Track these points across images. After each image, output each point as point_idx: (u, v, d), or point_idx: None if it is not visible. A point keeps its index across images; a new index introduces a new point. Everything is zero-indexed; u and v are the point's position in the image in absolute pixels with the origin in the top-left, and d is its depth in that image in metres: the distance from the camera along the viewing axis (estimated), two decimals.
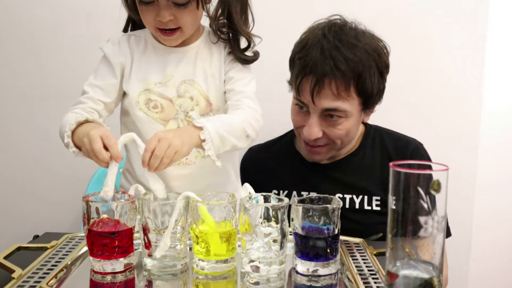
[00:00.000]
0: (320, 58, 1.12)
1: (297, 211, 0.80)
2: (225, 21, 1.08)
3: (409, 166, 0.60)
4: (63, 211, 1.65)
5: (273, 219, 0.77)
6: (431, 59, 1.56)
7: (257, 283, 0.77)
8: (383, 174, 1.24)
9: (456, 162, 1.49)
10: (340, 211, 0.81)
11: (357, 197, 1.23)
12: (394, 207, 0.61)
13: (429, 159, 1.27)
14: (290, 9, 1.56)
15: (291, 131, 1.33)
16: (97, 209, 0.80)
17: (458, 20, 1.53)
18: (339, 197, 1.23)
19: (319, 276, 0.79)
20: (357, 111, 1.18)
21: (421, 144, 1.29)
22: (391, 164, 0.61)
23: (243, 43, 1.10)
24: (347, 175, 1.26)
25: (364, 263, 0.85)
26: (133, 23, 1.15)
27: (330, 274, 0.80)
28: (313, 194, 0.85)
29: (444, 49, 1.55)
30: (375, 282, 0.77)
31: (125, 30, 1.16)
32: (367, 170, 1.26)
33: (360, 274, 0.79)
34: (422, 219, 0.59)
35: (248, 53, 1.10)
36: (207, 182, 1.08)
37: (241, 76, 1.10)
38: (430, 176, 0.58)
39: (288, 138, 1.37)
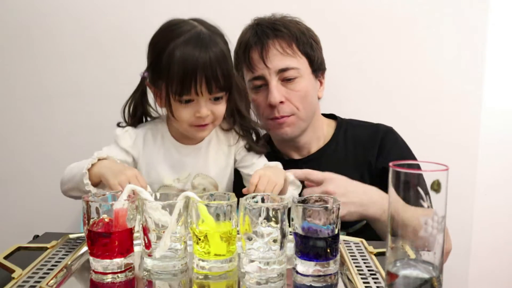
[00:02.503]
0: (259, 29, 1.26)
1: (297, 211, 0.80)
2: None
3: (409, 166, 0.60)
4: (63, 211, 1.65)
5: (273, 219, 0.77)
6: (430, 59, 1.56)
7: (257, 283, 0.77)
8: (357, 161, 1.29)
9: (456, 162, 1.49)
10: (339, 210, 0.81)
11: None
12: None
13: (402, 140, 1.32)
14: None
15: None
16: (97, 209, 0.80)
17: (457, 20, 1.53)
18: None
19: (319, 276, 0.79)
20: (308, 72, 1.27)
21: (391, 128, 1.35)
22: (391, 164, 0.61)
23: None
24: (322, 167, 1.26)
25: (364, 263, 0.85)
26: (143, 114, 1.17)
27: (330, 274, 0.80)
28: (313, 194, 0.85)
29: (444, 49, 1.55)
30: (375, 282, 0.77)
31: (134, 123, 1.17)
32: (341, 160, 1.30)
33: (360, 274, 0.79)
34: (422, 219, 0.59)
35: (259, 144, 1.20)
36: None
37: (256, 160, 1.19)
38: (430, 176, 0.58)
39: (267, 137, 1.38)
